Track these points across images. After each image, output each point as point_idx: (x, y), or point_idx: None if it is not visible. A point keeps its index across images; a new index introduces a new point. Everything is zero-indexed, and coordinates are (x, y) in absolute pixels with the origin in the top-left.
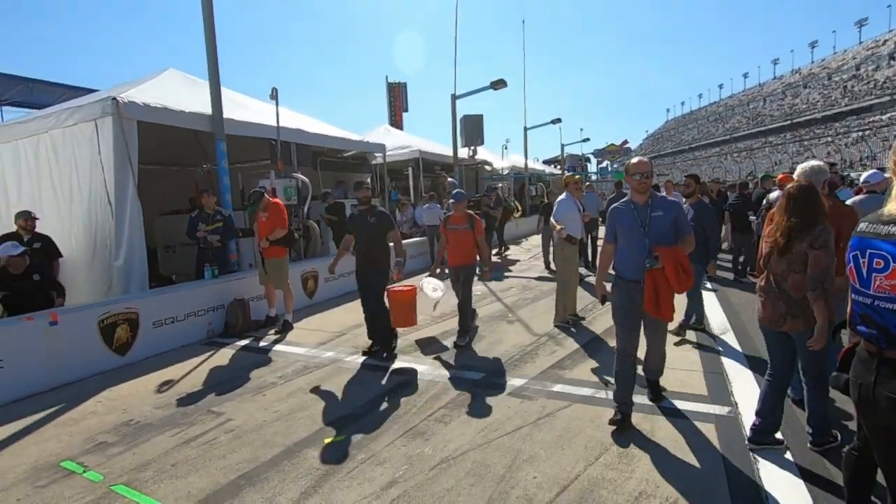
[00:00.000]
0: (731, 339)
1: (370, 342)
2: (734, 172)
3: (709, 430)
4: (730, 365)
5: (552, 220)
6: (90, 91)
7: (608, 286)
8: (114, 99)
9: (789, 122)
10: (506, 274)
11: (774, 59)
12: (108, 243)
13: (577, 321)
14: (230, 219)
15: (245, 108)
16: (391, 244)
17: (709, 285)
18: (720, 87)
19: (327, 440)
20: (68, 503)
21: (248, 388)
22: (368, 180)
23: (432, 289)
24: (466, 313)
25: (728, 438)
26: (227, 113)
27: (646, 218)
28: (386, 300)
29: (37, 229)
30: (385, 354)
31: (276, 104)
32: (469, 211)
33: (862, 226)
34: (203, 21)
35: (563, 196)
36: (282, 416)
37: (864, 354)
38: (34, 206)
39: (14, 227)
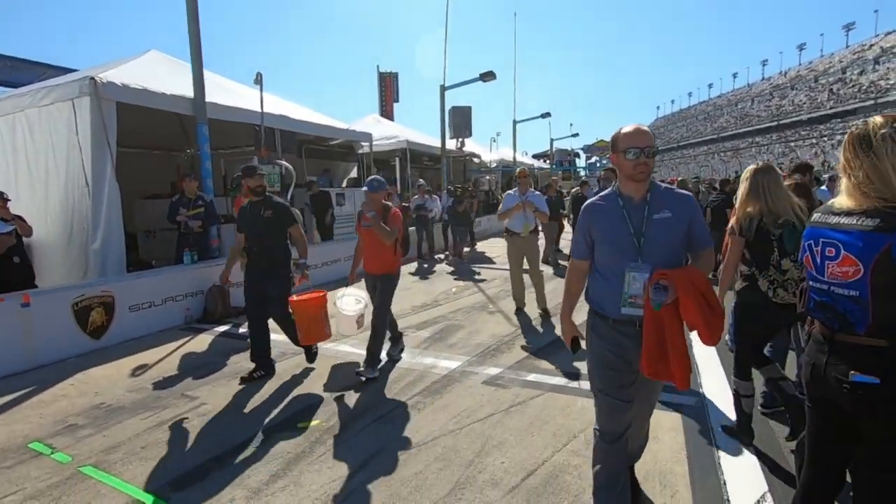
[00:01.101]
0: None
1: (253, 366)
2: (721, 171)
3: (674, 420)
4: (700, 357)
5: (499, 212)
6: (71, 71)
7: (578, 323)
8: (92, 79)
9: (776, 122)
10: (490, 266)
11: (763, 60)
12: (85, 226)
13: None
14: (212, 204)
15: (230, 93)
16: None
17: None
18: (710, 86)
19: (300, 425)
20: (34, 483)
21: (224, 374)
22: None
23: (354, 300)
24: (378, 335)
25: (692, 426)
26: (211, 97)
27: (642, 221)
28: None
29: (13, 211)
30: (309, 360)
31: (261, 89)
32: (387, 202)
33: (815, 216)
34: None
35: (510, 191)
36: (256, 401)
37: (818, 337)
38: (9, 186)
39: None
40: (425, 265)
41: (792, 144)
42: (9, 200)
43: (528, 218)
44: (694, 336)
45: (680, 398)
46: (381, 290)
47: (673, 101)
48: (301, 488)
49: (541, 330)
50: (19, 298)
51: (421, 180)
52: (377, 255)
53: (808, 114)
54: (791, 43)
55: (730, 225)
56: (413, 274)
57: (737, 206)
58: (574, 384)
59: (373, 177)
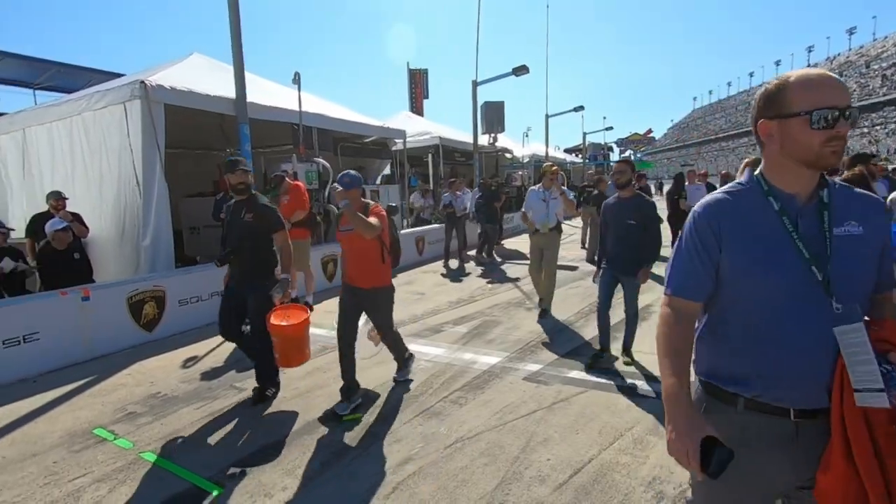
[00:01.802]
0: None
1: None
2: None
3: None
4: None
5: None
6: (117, 75)
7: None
8: (142, 82)
9: None
10: (525, 262)
11: (809, 47)
12: (137, 224)
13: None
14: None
15: (268, 93)
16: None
17: None
18: (751, 75)
19: (346, 417)
20: (101, 467)
21: None
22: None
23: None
24: (396, 344)
25: None
26: (251, 97)
27: (816, 233)
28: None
29: (68, 209)
30: (264, 392)
31: (299, 88)
32: (367, 200)
33: None
34: (228, 5)
35: (534, 187)
36: (301, 394)
37: None
38: (66, 186)
39: (46, 207)
40: (456, 263)
41: None
42: (67, 199)
43: (550, 215)
44: None
45: None
46: (376, 309)
47: (711, 92)
48: (350, 478)
49: (580, 327)
50: (80, 293)
51: (453, 178)
52: (361, 265)
53: (859, 101)
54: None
55: None
56: (445, 272)
57: None
58: (618, 381)
59: (345, 171)
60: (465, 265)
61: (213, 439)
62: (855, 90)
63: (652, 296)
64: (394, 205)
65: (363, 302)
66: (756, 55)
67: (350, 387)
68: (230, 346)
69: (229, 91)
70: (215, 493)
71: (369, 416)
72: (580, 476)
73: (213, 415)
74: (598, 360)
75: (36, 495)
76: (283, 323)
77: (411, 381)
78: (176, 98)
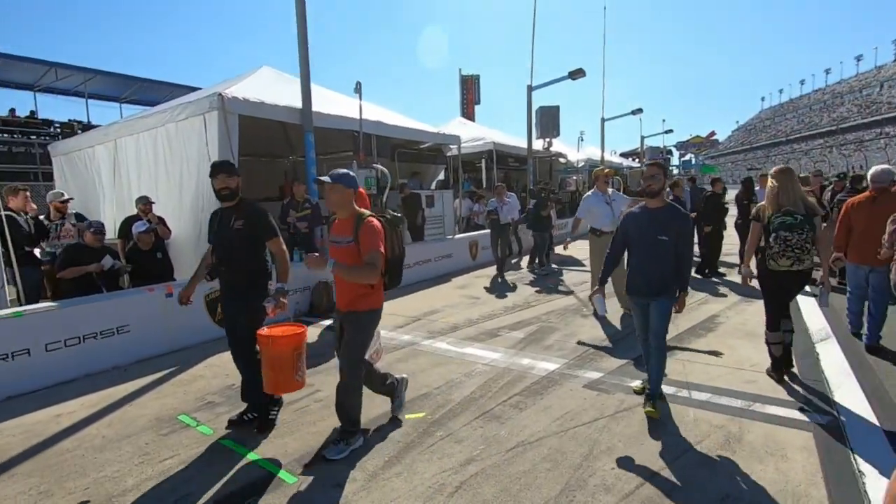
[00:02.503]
0: (832, 347)
1: (245, 406)
2: (840, 167)
3: (806, 439)
4: (831, 372)
5: (577, 216)
6: (194, 89)
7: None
8: (219, 95)
9: None
10: (581, 269)
11: None
12: (396, 212)
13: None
14: (318, 207)
15: (330, 102)
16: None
17: (808, 288)
18: (827, 72)
19: (407, 416)
20: (186, 451)
21: (333, 364)
22: (442, 174)
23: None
24: (349, 395)
25: (828, 447)
26: (316, 107)
27: None
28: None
29: (154, 213)
30: (256, 427)
31: (360, 97)
32: (362, 210)
33: None
34: (296, 20)
35: (589, 192)
36: (364, 391)
37: None
38: (151, 192)
39: (135, 211)
40: (503, 274)
41: None
42: (153, 204)
43: (616, 216)
44: (826, 349)
45: (811, 416)
46: (353, 329)
47: (781, 91)
48: (414, 475)
49: None
50: (164, 289)
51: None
52: (343, 282)
53: None
54: None
55: (752, 213)
56: (500, 279)
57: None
58: (684, 393)
59: (336, 170)
60: (519, 271)
61: (284, 431)
62: None
63: (716, 306)
64: (398, 214)
65: (344, 325)
66: (833, 50)
67: (349, 422)
68: None
69: (296, 101)
70: (290, 481)
71: (431, 416)
72: (647, 488)
73: (284, 408)
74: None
75: (133, 472)
76: (275, 333)
77: (401, 421)
78: (248, 109)
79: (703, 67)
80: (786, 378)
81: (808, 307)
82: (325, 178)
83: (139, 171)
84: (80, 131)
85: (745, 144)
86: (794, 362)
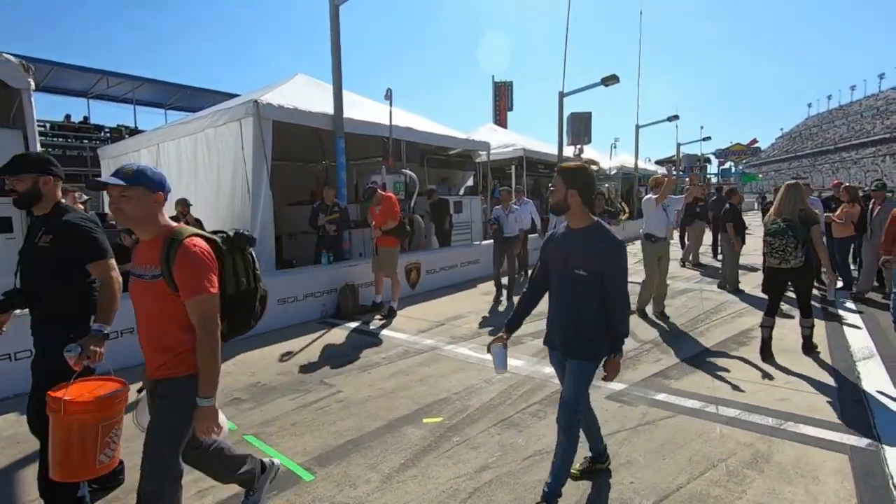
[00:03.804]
0: (875, 367)
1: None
2: (893, 177)
3: (841, 462)
4: (874, 394)
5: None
6: (233, 95)
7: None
8: (255, 101)
9: None
10: None
11: None
12: (246, 228)
13: (645, 316)
14: (346, 211)
15: (361, 108)
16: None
17: (852, 306)
18: (881, 76)
19: (425, 420)
20: None
21: (356, 366)
22: (471, 181)
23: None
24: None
25: (865, 472)
26: (347, 113)
27: None
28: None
29: (194, 215)
30: None
31: (391, 104)
32: (172, 223)
33: None
34: (329, 30)
35: (648, 196)
36: (385, 394)
37: None
38: (189, 194)
39: (174, 212)
40: (510, 294)
41: None
42: (191, 205)
43: (671, 220)
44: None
45: (847, 438)
46: (158, 414)
47: (830, 97)
48: (429, 479)
49: (670, 348)
50: None
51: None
52: (150, 334)
53: None
54: None
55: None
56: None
57: None
58: (711, 409)
59: (132, 165)
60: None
61: (304, 429)
62: None
63: (753, 319)
64: (245, 232)
65: (155, 394)
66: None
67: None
68: (320, 345)
69: (328, 107)
70: (307, 478)
71: (449, 421)
72: (666, 503)
73: (306, 406)
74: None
75: None
76: (69, 398)
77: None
78: (282, 115)
79: (746, 73)
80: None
81: (850, 326)
82: (111, 179)
83: (179, 174)
84: (127, 136)
85: (789, 152)
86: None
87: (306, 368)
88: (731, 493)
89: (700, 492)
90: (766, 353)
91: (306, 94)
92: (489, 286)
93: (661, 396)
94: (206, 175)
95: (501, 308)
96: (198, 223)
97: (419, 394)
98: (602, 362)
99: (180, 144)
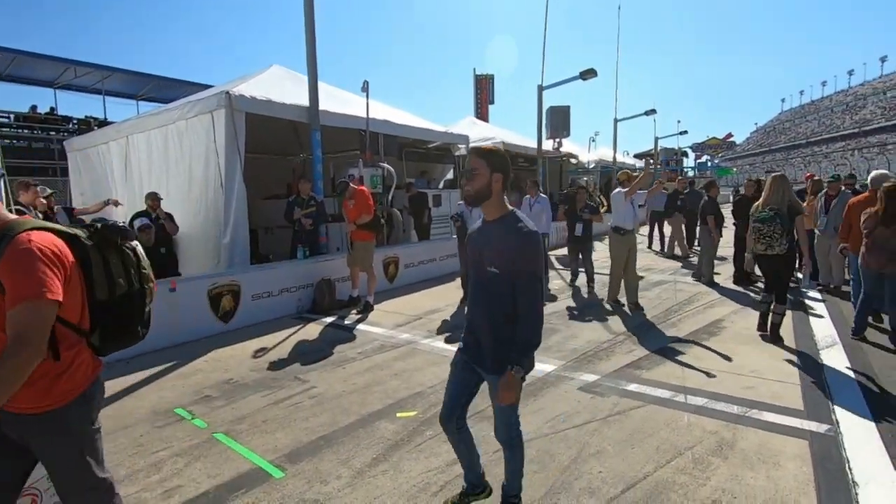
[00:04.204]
0: (837, 354)
1: None
2: (862, 170)
3: (801, 448)
4: (834, 381)
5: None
6: (208, 87)
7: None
8: (227, 93)
9: None
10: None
11: None
12: (219, 223)
13: (620, 306)
14: (322, 204)
15: (338, 100)
16: None
17: (817, 295)
18: (850, 73)
19: (399, 414)
20: (179, 443)
21: (331, 361)
22: (451, 174)
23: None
24: None
25: (823, 457)
26: (323, 105)
27: None
28: None
29: (165, 209)
30: None
31: (367, 96)
32: (20, 218)
33: None
34: (304, 19)
35: (616, 190)
36: (359, 389)
37: None
38: (160, 188)
39: (145, 206)
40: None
41: None
42: (161, 200)
43: (637, 214)
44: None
45: (808, 424)
46: (47, 458)
47: (802, 93)
48: (400, 473)
49: (643, 339)
50: (168, 284)
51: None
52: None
53: None
54: None
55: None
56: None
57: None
58: (679, 398)
59: None
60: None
61: (276, 426)
62: None
63: (724, 310)
64: (120, 224)
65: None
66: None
67: None
68: (294, 340)
69: (304, 99)
70: (277, 476)
71: (423, 415)
72: (633, 492)
73: (279, 403)
74: None
75: (125, 463)
76: None
77: None
78: (256, 107)
79: (722, 68)
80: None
81: (815, 316)
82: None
83: (150, 168)
84: (95, 127)
85: (763, 146)
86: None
87: (280, 364)
88: (695, 480)
89: (666, 479)
90: (763, 325)
91: (281, 86)
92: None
93: (632, 387)
94: (177, 168)
95: None
96: (169, 218)
97: (393, 388)
98: (517, 375)
99: (151, 137)
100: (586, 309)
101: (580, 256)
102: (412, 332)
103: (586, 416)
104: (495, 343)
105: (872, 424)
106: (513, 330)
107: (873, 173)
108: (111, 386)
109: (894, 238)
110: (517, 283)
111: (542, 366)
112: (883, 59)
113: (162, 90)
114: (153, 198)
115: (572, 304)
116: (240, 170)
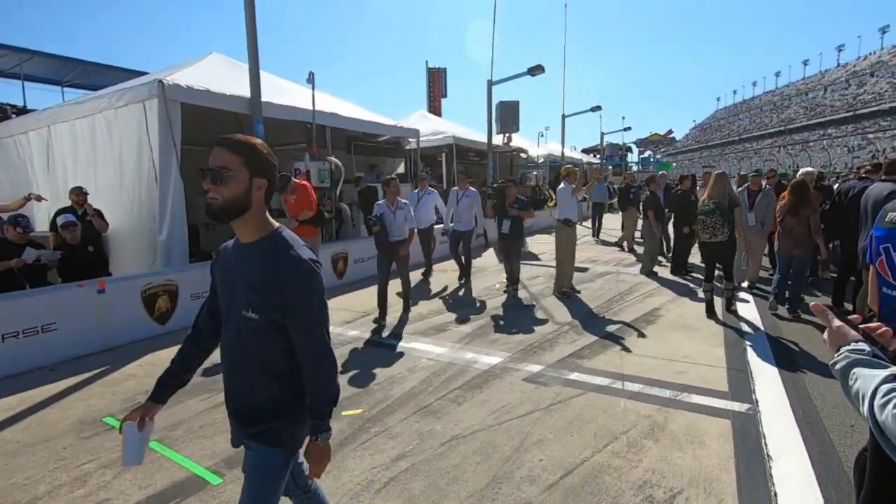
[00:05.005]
0: (760, 339)
1: None
2: (786, 166)
3: (725, 427)
4: (756, 364)
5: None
6: (141, 74)
7: None
8: (160, 82)
9: (852, 113)
10: (535, 263)
11: (839, 46)
12: (153, 219)
13: (573, 293)
14: None
15: (283, 92)
16: None
17: (745, 284)
18: (777, 74)
19: (344, 413)
20: (108, 454)
21: None
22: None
23: None
24: None
25: (742, 434)
26: (266, 96)
27: None
28: None
29: (93, 205)
30: None
31: (313, 88)
32: None
33: (890, 216)
34: (244, 3)
35: (562, 185)
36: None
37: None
38: (88, 182)
39: (69, 202)
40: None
41: (870, 136)
42: (87, 194)
43: (581, 208)
44: (753, 340)
45: (732, 405)
46: None
47: (735, 92)
48: (344, 473)
49: (585, 329)
50: (95, 285)
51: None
52: None
53: (890, 102)
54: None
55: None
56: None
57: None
58: (617, 385)
59: None
60: (480, 260)
61: (214, 430)
62: (887, 91)
63: (661, 299)
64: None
65: None
66: (783, 53)
67: None
68: None
69: (245, 90)
70: (214, 482)
71: (368, 413)
72: (571, 477)
73: (218, 406)
74: None
75: (45, 479)
76: None
77: None
78: (192, 97)
79: (664, 67)
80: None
81: (742, 302)
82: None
83: (75, 160)
84: (13, 115)
85: (700, 143)
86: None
87: (220, 367)
88: (629, 463)
89: (602, 463)
90: (710, 311)
91: (221, 75)
92: (419, 275)
93: (573, 376)
94: (106, 161)
95: (429, 296)
96: (97, 214)
97: (340, 386)
98: (298, 451)
99: (76, 126)
100: (532, 301)
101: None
102: (361, 329)
103: (529, 406)
104: (254, 405)
105: (787, 401)
106: (278, 389)
107: (802, 171)
108: (31, 396)
109: (799, 226)
110: (295, 328)
111: (489, 358)
112: (805, 63)
113: (90, 76)
114: (78, 192)
115: (518, 296)
116: (176, 162)
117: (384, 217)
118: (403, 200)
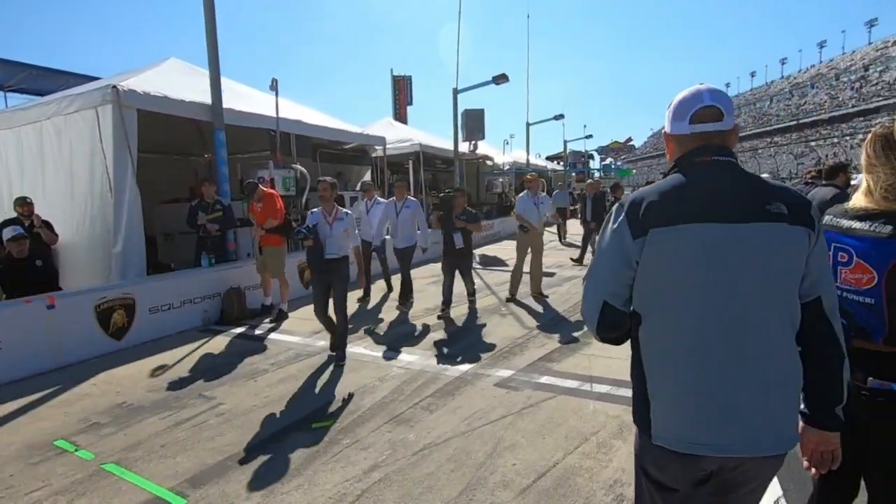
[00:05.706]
0: None
1: None
2: None
3: None
4: None
5: (515, 212)
6: (93, 79)
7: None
8: (114, 87)
9: (795, 122)
10: (504, 269)
11: (782, 59)
12: (108, 230)
13: (541, 298)
14: (230, 208)
15: (246, 99)
16: None
17: None
18: (727, 85)
19: (314, 425)
20: (59, 480)
21: (240, 374)
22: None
23: None
24: None
25: None
26: (228, 103)
27: None
28: None
29: (42, 216)
30: None
31: (276, 95)
32: None
33: (826, 218)
34: (203, 7)
35: (522, 193)
36: (271, 402)
37: None
38: (35, 192)
39: (14, 214)
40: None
41: (812, 144)
42: (33, 205)
43: (542, 215)
44: None
45: None
46: None
47: None
48: (315, 487)
49: (554, 332)
50: (45, 301)
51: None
52: None
53: (829, 112)
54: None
55: None
56: (427, 277)
57: None
58: (586, 387)
59: None
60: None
61: (177, 449)
62: (826, 102)
63: None
64: None
65: None
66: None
67: None
68: (199, 355)
69: (206, 97)
70: (178, 503)
71: (339, 424)
72: (544, 480)
73: (180, 424)
74: None
75: None
76: None
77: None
78: (149, 103)
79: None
80: None
81: None
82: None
83: (21, 169)
84: None
85: (658, 150)
86: None
87: (182, 382)
88: (599, 463)
89: (573, 465)
90: None
91: (179, 81)
92: (382, 284)
93: (544, 379)
94: (56, 170)
95: (399, 309)
96: (46, 225)
97: (310, 398)
98: None
99: (21, 134)
100: (500, 308)
101: (457, 273)
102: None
103: (502, 411)
104: None
105: None
106: None
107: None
108: None
109: None
110: None
111: (460, 365)
112: (752, 74)
113: (37, 80)
114: (22, 203)
115: (486, 304)
116: (132, 171)
117: (318, 226)
118: (346, 210)
